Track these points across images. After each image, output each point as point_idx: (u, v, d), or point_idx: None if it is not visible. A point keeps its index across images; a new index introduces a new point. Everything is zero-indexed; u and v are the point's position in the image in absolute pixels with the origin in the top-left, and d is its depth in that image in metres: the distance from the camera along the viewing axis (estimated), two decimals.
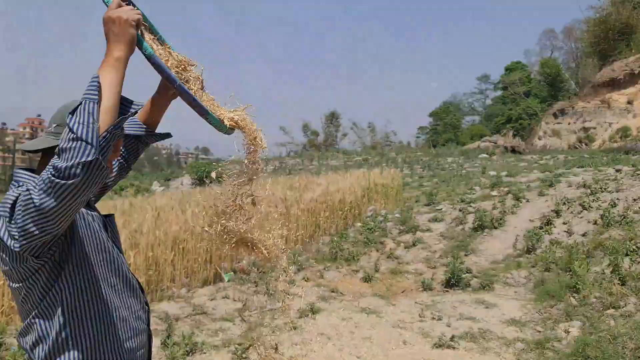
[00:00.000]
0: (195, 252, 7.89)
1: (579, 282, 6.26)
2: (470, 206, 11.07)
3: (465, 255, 8.80)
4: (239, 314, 6.28)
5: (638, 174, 10.48)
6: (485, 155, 24.36)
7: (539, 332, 5.69)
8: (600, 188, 9.94)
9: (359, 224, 11.11)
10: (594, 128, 33.80)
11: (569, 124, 35.40)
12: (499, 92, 49.82)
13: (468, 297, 6.96)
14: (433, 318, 6.15)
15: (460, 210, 10.84)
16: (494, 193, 11.89)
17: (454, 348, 5.23)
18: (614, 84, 34.42)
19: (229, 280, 7.86)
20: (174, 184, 23.01)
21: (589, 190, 10.05)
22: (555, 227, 8.97)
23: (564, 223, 8.96)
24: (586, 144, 32.00)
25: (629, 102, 33.63)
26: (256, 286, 7.42)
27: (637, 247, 6.75)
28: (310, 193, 10.76)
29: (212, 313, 6.34)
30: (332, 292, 7.30)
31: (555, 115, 36.93)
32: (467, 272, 7.87)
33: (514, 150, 26.82)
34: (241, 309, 6.44)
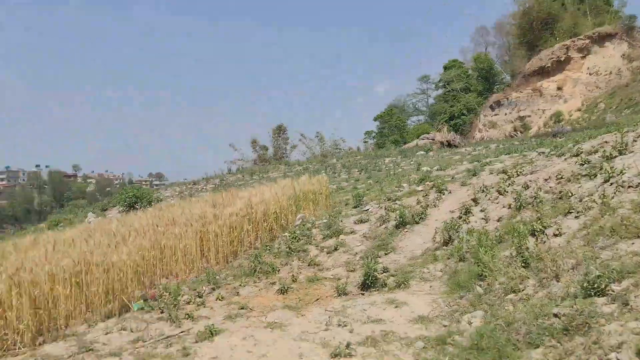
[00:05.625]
0: (96, 284, 7.32)
1: (484, 270, 6.10)
2: (395, 203, 10.88)
3: (386, 254, 8.55)
4: (133, 346, 5.76)
5: (552, 154, 10.49)
6: (422, 152, 24.48)
7: (445, 326, 5.46)
8: (517, 172, 9.90)
9: (287, 234, 10.70)
10: (529, 116, 34.84)
11: (505, 114, 36.37)
12: (440, 91, 50.79)
13: (381, 297, 6.67)
14: (339, 325, 5.81)
15: (385, 209, 10.63)
16: (419, 188, 11.76)
17: (351, 356, 4.91)
18: (543, 72, 35.65)
19: (138, 309, 7.31)
20: (109, 213, 21.99)
21: (506, 176, 10.01)
22: (473, 215, 8.85)
23: (482, 210, 8.87)
24: (521, 132, 32.91)
25: (559, 88, 34.87)
26: (161, 313, 6.91)
27: (543, 226, 6.64)
28: (230, 208, 10.30)
29: (100, 349, 5.76)
30: (241, 309, 6.86)
31: (492, 108, 37.90)
32: (384, 272, 7.61)
33: (449, 145, 27.13)
34: (134, 340, 5.91)
